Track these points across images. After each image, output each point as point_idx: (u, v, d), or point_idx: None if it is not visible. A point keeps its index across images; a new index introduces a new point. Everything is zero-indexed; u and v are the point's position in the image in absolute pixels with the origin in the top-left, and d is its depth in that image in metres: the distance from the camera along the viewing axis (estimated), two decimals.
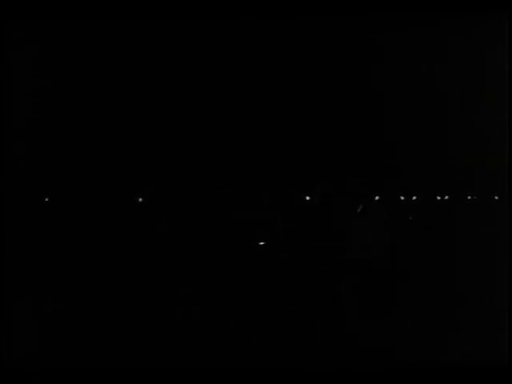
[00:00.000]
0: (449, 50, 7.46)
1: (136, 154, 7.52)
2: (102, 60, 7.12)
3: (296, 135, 5.81)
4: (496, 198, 8.96)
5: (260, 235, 5.58)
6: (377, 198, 8.84)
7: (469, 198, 9.57)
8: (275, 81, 5.17)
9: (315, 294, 5.10)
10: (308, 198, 5.60)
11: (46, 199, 7.42)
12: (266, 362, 4.71)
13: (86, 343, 4.95)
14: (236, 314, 5.56)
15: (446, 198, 9.67)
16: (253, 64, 6.16)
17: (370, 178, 8.32)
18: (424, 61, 7.45)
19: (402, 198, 9.46)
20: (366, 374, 4.47)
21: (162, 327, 5.38)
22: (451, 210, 9.54)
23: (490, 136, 7.11)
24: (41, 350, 4.80)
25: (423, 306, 6.09)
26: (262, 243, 5.79)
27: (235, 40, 6.23)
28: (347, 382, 4.41)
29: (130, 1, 5.49)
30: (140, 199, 7.64)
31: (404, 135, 8.10)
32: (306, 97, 5.75)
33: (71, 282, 6.74)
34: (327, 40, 6.33)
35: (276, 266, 5.36)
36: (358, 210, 5.63)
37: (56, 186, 7.42)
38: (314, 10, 5.55)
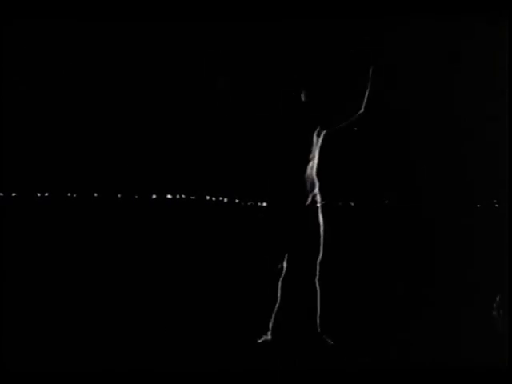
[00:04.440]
0: (448, 50, 7.46)
1: (135, 153, 7.52)
2: (102, 61, 7.13)
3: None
4: (495, 203, 8.97)
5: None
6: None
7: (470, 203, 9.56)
8: (273, 82, 5.18)
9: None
10: None
11: (46, 197, 7.42)
12: (266, 362, 4.71)
13: (88, 346, 4.94)
14: (236, 314, 5.57)
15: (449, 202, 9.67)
16: (250, 67, 6.17)
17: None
18: (422, 61, 7.46)
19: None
20: (366, 374, 4.47)
21: (163, 328, 5.38)
22: (454, 214, 9.55)
23: (490, 138, 7.12)
24: (42, 352, 4.80)
25: (422, 306, 6.11)
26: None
27: (235, 42, 6.24)
28: (347, 381, 4.40)
29: (129, 4, 5.51)
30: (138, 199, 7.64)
31: (402, 140, 8.11)
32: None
33: (71, 282, 6.75)
34: (326, 41, 6.35)
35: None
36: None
37: (53, 184, 7.42)
38: (313, 12, 5.57)
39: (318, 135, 5.06)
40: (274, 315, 5.04)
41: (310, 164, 5.05)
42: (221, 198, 8.32)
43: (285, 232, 5.05)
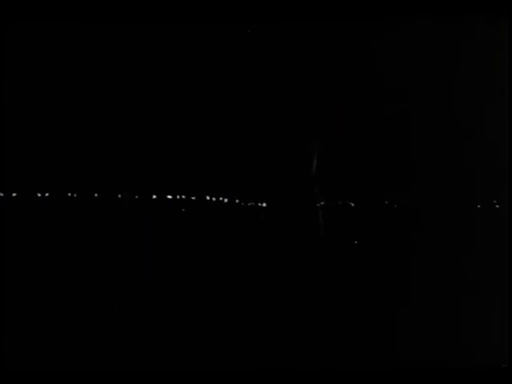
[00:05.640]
0: (448, 50, 7.46)
1: (135, 153, 7.53)
2: (102, 61, 7.13)
3: (290, 140, 5.79)
4: (496, 203, 8.97)
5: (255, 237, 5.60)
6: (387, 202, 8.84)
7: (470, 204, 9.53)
8: (272, 84, 5.19)
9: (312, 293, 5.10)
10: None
11: (46, 197, 7.43)
12: (266, 363, 4.71)
13: (88, 346, 4.95)
14: (233, 315, 5.57)
15: (450, 203, 9.64)
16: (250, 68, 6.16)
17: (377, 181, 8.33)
18: (422, 61, 7.46)
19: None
20: (365, 374, 4.47)
21: (162, 329, 5.39)
22: (453, 215, 9.52)
23: (490, 138, 7.12)
24: (42, 352, 4.80)
25: (423, 306, 6.11)
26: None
27: (233, 43, 6.25)
28: (346, 382, 4.41)
29: (129, 4, 5.51)
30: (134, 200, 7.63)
31: (402, 139, 8.11)
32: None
33: (71, 283, 6.74)
34: (323, 43, 6.35)
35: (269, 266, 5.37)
36: None
37: (54, 184, 7.43)
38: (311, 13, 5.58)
39: (317, 135, 5.08)
40: (274, 315, 5.05)
41: (310, 163, 5.06)
42: (221, 198, 8.32)
43: (285, 232, 5.06)
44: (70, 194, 7.62)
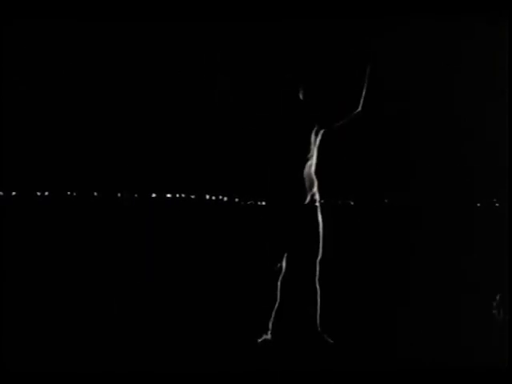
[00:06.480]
0: (448, 50, 7.45)
1: (135, 153, 7.52)
2: (102, 61, 7.13)
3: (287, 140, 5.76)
4: (495, 202, 8.97)
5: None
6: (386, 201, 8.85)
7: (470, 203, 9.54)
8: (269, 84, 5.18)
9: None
10: None
11: (46, 195, 7.41)
12: (266, 363, 4.70)
13: (88, 346, 4.93)
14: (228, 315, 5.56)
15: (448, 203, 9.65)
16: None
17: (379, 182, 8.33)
18: (422, 61, 7.45)
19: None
20: (365, 374, 4.46)
21: (162, 328, 5.37)
22: (453, 214, 9.53)
23: (490, 138, 7.13)
24: (42, 352, 4.79)
25: (423, 306, 6.10)
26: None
27: (235, 42, 6.23)
28: (346, 382, 4.40)
29: (129, 4, 5.49)
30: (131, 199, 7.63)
31: (402, 139, 8.11)
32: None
33: (71, 282, 6.75)
34: (326, 41, 6.35)
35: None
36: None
37: (53, 183, 7.42)
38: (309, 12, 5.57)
39: (316, 134, 5.06)
40: (273, 314, 5.03)
41: (309, 163, 5.04)
42: (220, 197, 8.32)
43: (284, 231, 5.04)
44: (69, 193, 7.61)
